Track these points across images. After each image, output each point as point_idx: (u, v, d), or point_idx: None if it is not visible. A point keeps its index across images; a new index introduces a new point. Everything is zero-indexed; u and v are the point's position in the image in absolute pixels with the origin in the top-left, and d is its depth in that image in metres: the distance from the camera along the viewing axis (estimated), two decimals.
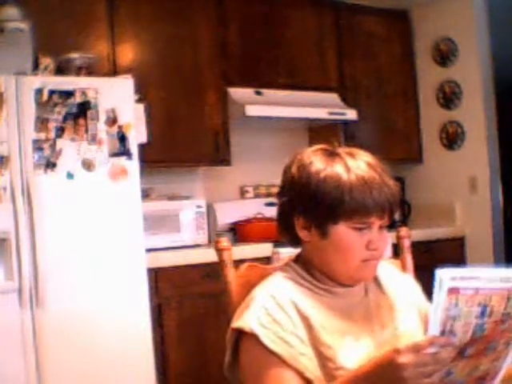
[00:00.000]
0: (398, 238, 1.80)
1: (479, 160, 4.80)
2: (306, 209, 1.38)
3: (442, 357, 1.11)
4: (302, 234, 1.40)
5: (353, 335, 1.35)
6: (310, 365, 1.29)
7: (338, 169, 1.35)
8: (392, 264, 1.68)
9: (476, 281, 1.08)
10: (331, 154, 1.39)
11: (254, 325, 1.31)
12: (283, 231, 1.46)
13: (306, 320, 1.33)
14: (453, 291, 1.07)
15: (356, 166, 1.36)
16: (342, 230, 1.35)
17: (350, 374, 1.23)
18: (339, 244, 1.36)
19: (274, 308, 1.34)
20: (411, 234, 1.83)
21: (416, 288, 1.57)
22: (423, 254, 4.13)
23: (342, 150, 1.40)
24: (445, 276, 1.07)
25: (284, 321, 1.32)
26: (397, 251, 1.80)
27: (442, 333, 1.10)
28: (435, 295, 1.09)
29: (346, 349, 1.33)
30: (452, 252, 4.80)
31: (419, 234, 4.40)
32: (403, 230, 1.81)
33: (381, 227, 1.38)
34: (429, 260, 4.26)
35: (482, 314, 1.10)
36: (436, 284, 1.08)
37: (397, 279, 1.56)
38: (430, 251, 4.44)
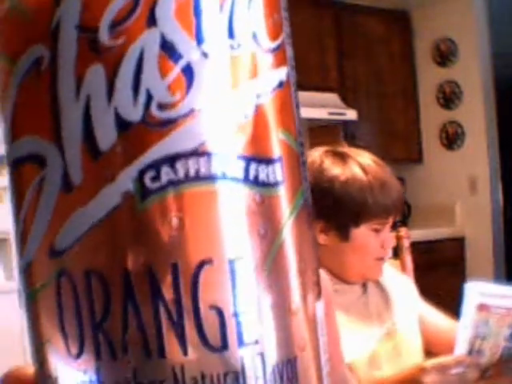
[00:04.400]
0: (398, 238, 1.79)
1: (479, 160, 4.80)
2: (328, 213, 1.37)
3: (467, 377, 1.08)
4: (320, 237, 1.39)
5: (351, 330, 1.36)
6: None
7: (355, 170, 1.36)
8: (392, 265, 1.68)
9: (508, 300, 1.06)
10: (341, 156, 1.39)
11: None
12: None
13: None
14: (483, 308, 1.05)
15: (368, 165, 1.37)
16: (363, 233, 1.37)
17: None
18: (359, 246, 1.38)
19: None
20: (411, 234, 1.84)
21: (414, 291, 1.58)
22: (423, 254, 4.13)
23: (348, 150, 1.42)
24: (473, 290, 1.05)
25: None
26: (397, 251, 1.81)
27: (470, 352, 1.07)
28: (464, 310, 1.06)
29: (344, 343, 1.33)
30: (452, 252, 4.80)
31: (419, 234, 4.40)
32: (403, 231, 1.81)
33: (391, 226, 1.42)
34: (429, 260, 4.27)
35: (511, 336, 1.07)
36: (465, 298, 1.05)
37: (395, 279, 1.57)
38: (430, 251, 4.44)
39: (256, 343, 0.20)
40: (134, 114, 0.19)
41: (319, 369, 0.22)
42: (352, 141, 4.64)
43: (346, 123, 4.70)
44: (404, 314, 1.47)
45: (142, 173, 0.19)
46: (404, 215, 5.01)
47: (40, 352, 0.22)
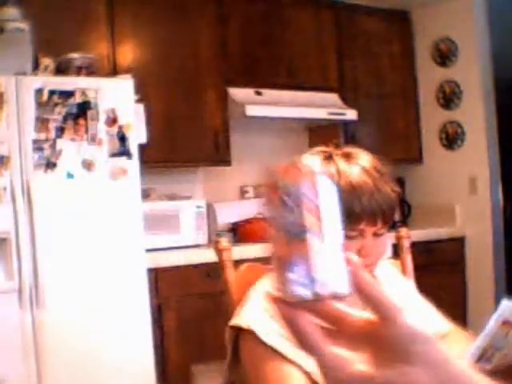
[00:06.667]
0: (398, 238, 1.80)
1: (479, 160, 4.80)
2: None
3: None
4: None
5: None
6: (308, 359, 1.29)
7: (329, 173, 1.33)
8: (393, 265, 1.68)
9: None
10: (326, 158, 1.36)
11: (251, 321, 1.31)
12: None
13: None
14: (507, 323, 1.06)
15: (349, 170, 1.32)
16: None
17: None
18: None
19: (270, 305, 1.33)
20: (411, 234, 1.84)
21: (414, 291, 1.58)
22: (423, 254, 4.13)
23: (337, 153, 1.37)
24: (506, 307, 1.05)
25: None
26: (397, 251, 1.81)
27: (479, 358, 1.08)
28: (490, 322, 1.07)
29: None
30: (452, 252, 4.80)
31: (419, 234, 4.40)
32: (403, 231, 1.81)
33: (376, 234, 1.34)
34: (429, 260, 4.28)
35: None
36: (496, 312, 1.06)
37: (397, 280, 1.56)
38: (430, 251, 4.44)
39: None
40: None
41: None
42: (352, 141, 4.64)
43: (346, 123, 4.70)
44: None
45: None
46: (404, 215, 5.02)
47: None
